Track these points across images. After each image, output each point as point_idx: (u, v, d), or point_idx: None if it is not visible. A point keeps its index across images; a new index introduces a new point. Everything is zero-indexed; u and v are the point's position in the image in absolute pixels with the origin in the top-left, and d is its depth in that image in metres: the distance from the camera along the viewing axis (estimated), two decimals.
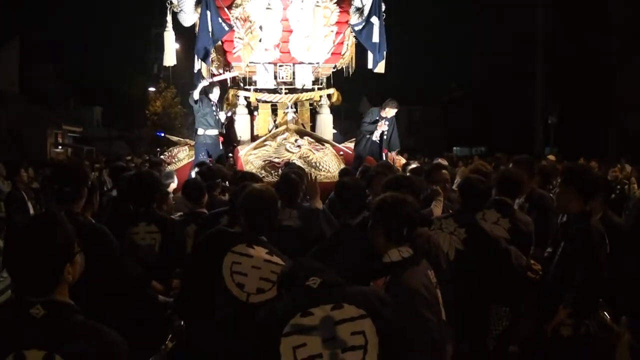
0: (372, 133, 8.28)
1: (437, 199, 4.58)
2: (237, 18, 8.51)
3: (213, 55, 8.98)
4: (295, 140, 8.06)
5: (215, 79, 8.52)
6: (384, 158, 8.56)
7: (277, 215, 3.14)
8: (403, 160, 8.88)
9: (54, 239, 1.74)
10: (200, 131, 8.38)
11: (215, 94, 8.51)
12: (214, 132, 8.44)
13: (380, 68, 9.13)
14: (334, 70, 9.49)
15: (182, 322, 3.19)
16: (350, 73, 9.60)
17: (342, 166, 7.89)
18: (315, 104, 9.35)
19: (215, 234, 2.95)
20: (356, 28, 8.84)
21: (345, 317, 1.95)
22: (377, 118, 8.27)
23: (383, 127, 8.20)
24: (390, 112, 8.16)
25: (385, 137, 8.49)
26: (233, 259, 2.71)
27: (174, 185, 6.52)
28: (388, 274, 2.60)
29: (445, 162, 9.33)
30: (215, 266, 2.72)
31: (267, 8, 8.31)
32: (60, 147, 28.25)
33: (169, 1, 9.07)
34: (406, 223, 2.66)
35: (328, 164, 7.79)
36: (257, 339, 2.07)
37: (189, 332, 2.96)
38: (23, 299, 1.70)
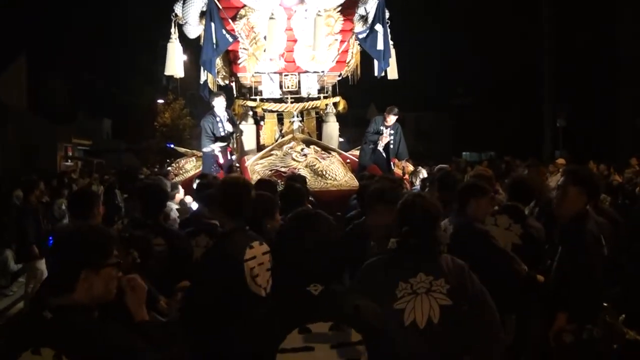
0: (375, 143, 8.46)
1: None
2: (241, 29, 8.53)
3: (219, 66, 9.00)
4: (302, 149, 8.04)
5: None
6: (392, 167, 8.58)
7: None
8: (411, 167, 8.84)
9: None
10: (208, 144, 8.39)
11: (219, 105, 8.35)
12: (222, 144, 8.45)
13: (393, 74, 9.11)
14: (340, 78, 9.48)
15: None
16: (356, 81, 9.60)
17: (349, 174, 7.88)
18: (321, 112, 9.33)
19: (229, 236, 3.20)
20: (360, 36, 8.81)
21: (342, 341, 1.90)
22: (381, 127, 8.55)
23: (385, 139, 8.41)
24: (391, 118, 8.51)
25: (392, 146, 8.58)
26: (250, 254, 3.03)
27: (179, 196, 6.55)
28: None
29: (447, 167, 9.35)
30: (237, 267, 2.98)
31: (271, 18, 8.32)
32: (70, 160, 28.39)
33: (174, 13, 9.12)
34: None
35: (335, 172, 7.76)
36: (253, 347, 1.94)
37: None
38: None
